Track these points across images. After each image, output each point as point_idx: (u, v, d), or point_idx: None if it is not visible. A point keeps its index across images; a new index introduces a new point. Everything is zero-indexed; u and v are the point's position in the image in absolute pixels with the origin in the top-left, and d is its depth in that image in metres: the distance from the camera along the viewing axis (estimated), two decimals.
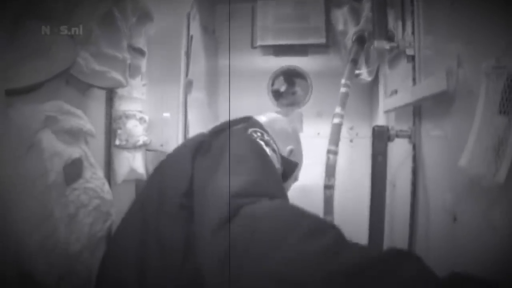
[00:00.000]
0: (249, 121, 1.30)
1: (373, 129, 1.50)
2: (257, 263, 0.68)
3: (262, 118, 1.36)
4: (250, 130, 1.19)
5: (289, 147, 1.39)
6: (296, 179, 1.58)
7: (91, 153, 1.47)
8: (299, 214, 0.77)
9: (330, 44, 2.66)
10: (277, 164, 1.20)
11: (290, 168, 1.37)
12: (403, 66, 1.66)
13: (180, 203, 0.99)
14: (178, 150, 1.19)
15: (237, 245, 0.72)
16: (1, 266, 1.01)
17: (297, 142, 1.44)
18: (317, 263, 0.62)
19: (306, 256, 0.64)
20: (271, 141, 1.22)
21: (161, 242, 0.99)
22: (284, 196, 0.97)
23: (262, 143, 1.13)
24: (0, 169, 1.01)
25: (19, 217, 1.14)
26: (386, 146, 1.47)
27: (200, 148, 1.09)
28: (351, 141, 2.80)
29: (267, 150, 1.12)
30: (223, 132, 1.18)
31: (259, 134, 1.19)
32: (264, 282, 0.65)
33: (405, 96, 1.51)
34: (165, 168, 1.16)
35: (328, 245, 0.67)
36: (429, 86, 1.26)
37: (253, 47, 2.73)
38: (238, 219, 0.77)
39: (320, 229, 0.73)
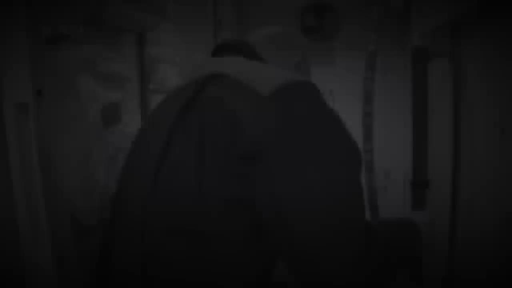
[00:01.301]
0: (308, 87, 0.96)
1: (412, 49, 1.45)
2: None
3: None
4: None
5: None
6: None
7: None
8: None
9: None
10: None
11: None
12: None
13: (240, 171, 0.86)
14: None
15: None
16: (53, 209, 1.05)
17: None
18: None
19: None
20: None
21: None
22: None
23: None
24: (44, 110, 1.03)
25: (62, 156, 1.17)
26: (425, 66, 1.42)
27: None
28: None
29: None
30: (290, 94, 0.89)
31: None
32: None
33: (442, 14, 1.45)
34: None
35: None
36: None
37: None
38: None
39: None
